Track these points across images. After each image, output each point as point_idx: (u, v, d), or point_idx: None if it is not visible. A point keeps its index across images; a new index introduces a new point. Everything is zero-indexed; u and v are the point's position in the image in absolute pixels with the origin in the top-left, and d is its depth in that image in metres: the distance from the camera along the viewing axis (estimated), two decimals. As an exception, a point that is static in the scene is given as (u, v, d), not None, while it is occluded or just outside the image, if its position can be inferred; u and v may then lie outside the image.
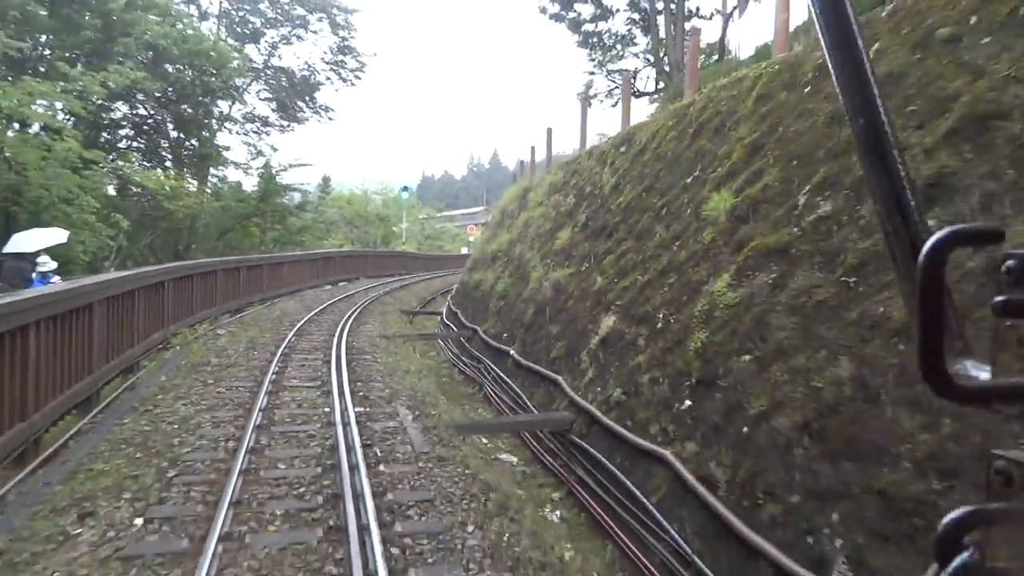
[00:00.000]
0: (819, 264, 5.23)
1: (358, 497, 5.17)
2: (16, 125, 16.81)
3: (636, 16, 26.79)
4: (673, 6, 24.74)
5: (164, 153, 29.84)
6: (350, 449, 6.28)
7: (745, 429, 5.06)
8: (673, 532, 5.20)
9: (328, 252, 30.59)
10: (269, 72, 37.58)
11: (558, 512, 6.67)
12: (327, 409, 7.94)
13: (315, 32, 37.16)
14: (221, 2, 35.92)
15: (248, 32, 37.05)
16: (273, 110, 38.51)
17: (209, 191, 26.20)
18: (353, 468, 5.77)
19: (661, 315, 7.07)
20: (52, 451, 6.55)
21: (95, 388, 8.23)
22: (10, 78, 16.49)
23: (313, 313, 16.64)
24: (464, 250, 56.72)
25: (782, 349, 5.14)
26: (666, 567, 5.12)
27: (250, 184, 32.10)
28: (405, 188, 59.99)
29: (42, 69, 18.75)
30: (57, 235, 11.07)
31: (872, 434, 4.03)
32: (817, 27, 0.76)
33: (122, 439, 6.56)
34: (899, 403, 3.95)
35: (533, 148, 22.28)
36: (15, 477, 5.75)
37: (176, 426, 7.03)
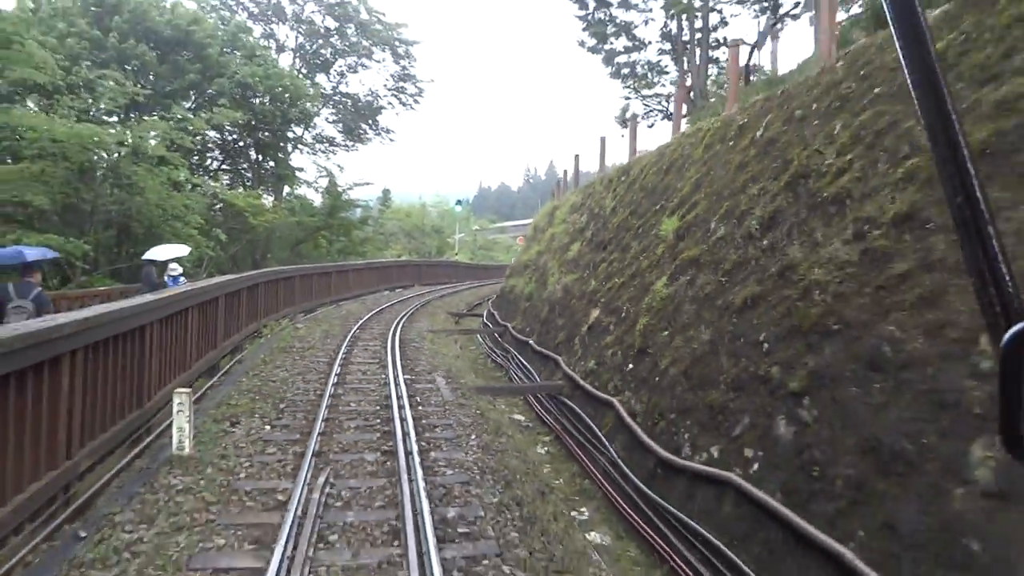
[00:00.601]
0: (712, 269, 7.70)
1: (403, 420, 7.87)
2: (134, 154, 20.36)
3: (667, 46, 29.12)
4: (699, 35, 26.98)
5: (244, 172, 33.70)
6: (399, 397, 9.02)
7: (656, 379, 7.56)
8: (611, 449, 7.71)
9: (387, 261, 33.83)
10: (337, 97, 41.38)
11: (545, 448, 9.22)
12: (383, 376, 10.73)
13: (379, 61, 40.89)
14: (297, 37, 39.97)
15: (319, 62, 40.94)
16: (339, 131, 42.35)
17: (285, 207, 29.67)
18: (401, 407, 8.50)
19: (625, 307, 9.59)
20: (202, 393, 9.47)
21: (217, 360, 11.22)
22: (132, 116, 20.07)
23: (373, 313, 19.61)
24: (514, 260, 59.46)
25: (684, 325, 7.62)
26: (605, 472, 7.63)
27: (317, 198, 35.80)
28: (459, 202, 63.24)
29: (156, 108, 22.37)
30: (181, 249, 14.28)
31: (711, 372, 6.51)
32: (917, 105, 0.80)
33: (244, 389, 9.46)
34: (726, 353, 6.42)
35: (565, 172, 24.90)
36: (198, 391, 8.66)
37: (278, 383, 9.91)
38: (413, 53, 40.62)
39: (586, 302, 11.56)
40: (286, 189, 34.08)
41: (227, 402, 8.68)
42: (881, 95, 6.12)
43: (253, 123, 26.95)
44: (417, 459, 6.47)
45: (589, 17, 28.69)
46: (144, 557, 4.49)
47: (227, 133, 28.62)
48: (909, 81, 0.79)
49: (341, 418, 8.13)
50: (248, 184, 31.40)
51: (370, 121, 42.06)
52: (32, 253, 8.63)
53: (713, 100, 21.48)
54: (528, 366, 12.89)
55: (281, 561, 4.38)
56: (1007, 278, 0.71)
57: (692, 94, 26.64)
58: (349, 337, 14.51)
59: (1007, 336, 0.67)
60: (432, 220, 62.39)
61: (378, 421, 8.07)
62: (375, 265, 30.43)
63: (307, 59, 40.71)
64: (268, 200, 31.58)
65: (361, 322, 17.18)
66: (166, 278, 13.28)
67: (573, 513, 6.76)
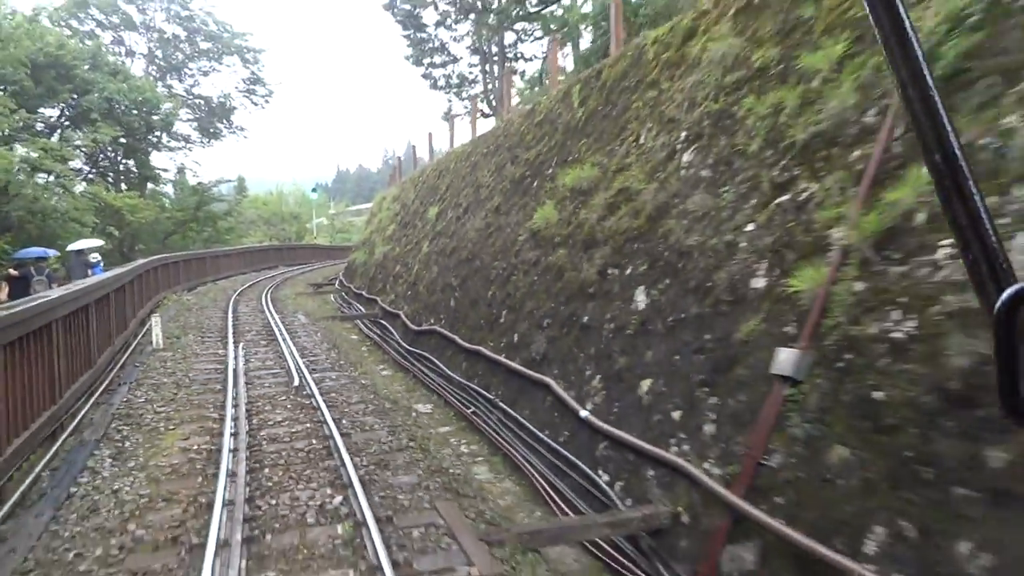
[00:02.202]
0: (448, 237, 14.31)
1: (278, 328, 13.96)
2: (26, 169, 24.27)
3: (476, 59, 35.67)
4: (496, 52, 33.76)
5: (108, 175, 36.89)
6: (275, 323, 15.05)
7: (417, 296, 14.13)
8: (395, 335, 14.17)
9: (252, 247, 38.51)
10: (191, 99, 44.71)
11: (365, 346, 15.55)
12: (263, 316, 16.65)
13: (229, 66, 44.68)
14: (147, 43, 42.90)
15: (170, 66, 44.06)
16: (195, 129, 45.71)
17: (156, 204, 33.65)
18: (276, 325, 14.56)
19: (409, 262, 16.11)
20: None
21: (146, 314, 16.56)
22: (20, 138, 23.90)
23: (247, 286, 25.00)
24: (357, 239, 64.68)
25: (430, 266, 14.22)
26: (395, 350, 14.07)
27: (171, 192, 39.61)
28: (315, 189, 67.35)
29: (37, 127, 26.01)
30: (97, 242, 19.13)
31: (436, 290, 13.13)
32: (887, 58, 0.76)
33: (175, 325, 15.06)
34: (442, 279, 13.07)
35: (399, 160, 31.05)
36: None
37: (195, 322, 15.57)
38: (261, 59, 44.80)
39: (393, 262, 17.96)
40: (149, 186, 37.65)
41: (168, 332, 14.33)
42: (556, 129, 12.91)
43: (120, 134, 30.74)
44: (289, 341, 12.66)
45: (411, 36, 34.73)
46: (171, 368, 10.44)
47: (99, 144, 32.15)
48: (877, 31, 0.74)
49: (242, 330, 14.10)
50: (113, 185, 34.88)
51: (224, 120, 45.75)
52: (40, 251, 13.87)
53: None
54: (360, 307, 19.12)
55: (231, 371, 10.47)
56: (992, 238, 0.69)
57: (493, 99, 33.47)
58: (232, 299, 20.08)
59: (1001, 299, 0.66)
60: (289, 207, 66.12)
61: (264, 330, 14.13)
62: (241, 250, 35.21)
63: (158, 64, 43.73)
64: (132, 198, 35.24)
65: (239, 291, 22.64)
66: (89, 269, 18.27)
67: (372, 363, 13.20)
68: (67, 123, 28.63)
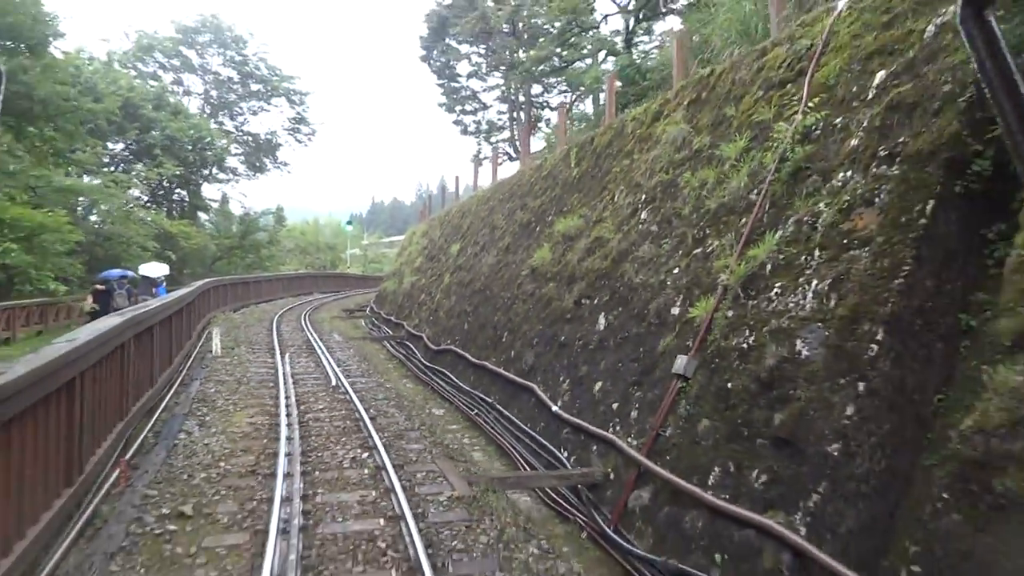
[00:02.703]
0: (467, 271, 16.42)
1: (318, 344, 16.10)
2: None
3: (505, 107, 38.29)
4: (523, 102, 36.28)
5: (163, 203, 40.02)
6: (314, 339, 17.20)
7: (438, 321, 16.21)
8: (418, 354, 16.22)
9: (290, 274, 41.15)
10: (240, 136, 48.09)
11: (392, 363, 17.61)
12: (303, 333, 18.83)
13: (276, 106, 48.06)
14: (203, 84, 46.50)
15: (223, 105, 47.56)
16: (241, 162, 49.02)
17: (207, 232, 36.57)
18: (315, 341, 16.71)
19: (432, 291, 18.21)
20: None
21: (206, 325, 18.85)
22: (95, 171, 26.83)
23: (286, 309, 27.35)
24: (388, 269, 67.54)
25: (449, 295, 16.31)
26: (417, 367, 16.12)
27: (224, 222, 42.63)
28: (350, 222, 70.30)
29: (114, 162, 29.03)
30: (164, 268, 21.64)
31: (454, 315, 15.20)
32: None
33: (229, 339, 17.30)
34: (459, 307, 15.14)
35: (429, 198, 33.46)
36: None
37: (244, 336, 17.79)
38: (306, 101, 48.13)
39: (419, 291, 20.11)
40: (200, 215, 40.71)
41: (222, 344, 16.57)
42: (556, 183, 15.04)
43: (179, 168, 33.78)
44: (327, 354, 14.78)
45: (445, 85, 37.51)
46: (230, 370, 12.60)
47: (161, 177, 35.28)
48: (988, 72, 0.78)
49: (286, 344, 16.27)
50: (167, 214, 37.93)
51: (270, 156, 49.01)
52: (121, 272, 16.31)
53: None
54: (388, 330, 21.25)
55: (280, 373, 12.58)
56: None
57: (519, 144, 35.89)
58: (274, 320, 22.37)
59: None
60: (325, 237, 69.31)
61: (304, 345, 16.30)
62: (281, 277, 37.82)
63: (212, 103, 47.26)
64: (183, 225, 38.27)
65: (279, 314, 24.96)
66: (155, 290, 20.75)
67: (396, 375, 15.22)
68: (131, 156, 31.67)
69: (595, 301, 9.04)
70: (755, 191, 6.88)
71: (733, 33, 10.35)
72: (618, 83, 14.81)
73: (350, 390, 10.81)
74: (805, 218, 5.98)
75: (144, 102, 32.14)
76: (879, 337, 4.65)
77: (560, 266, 10.68)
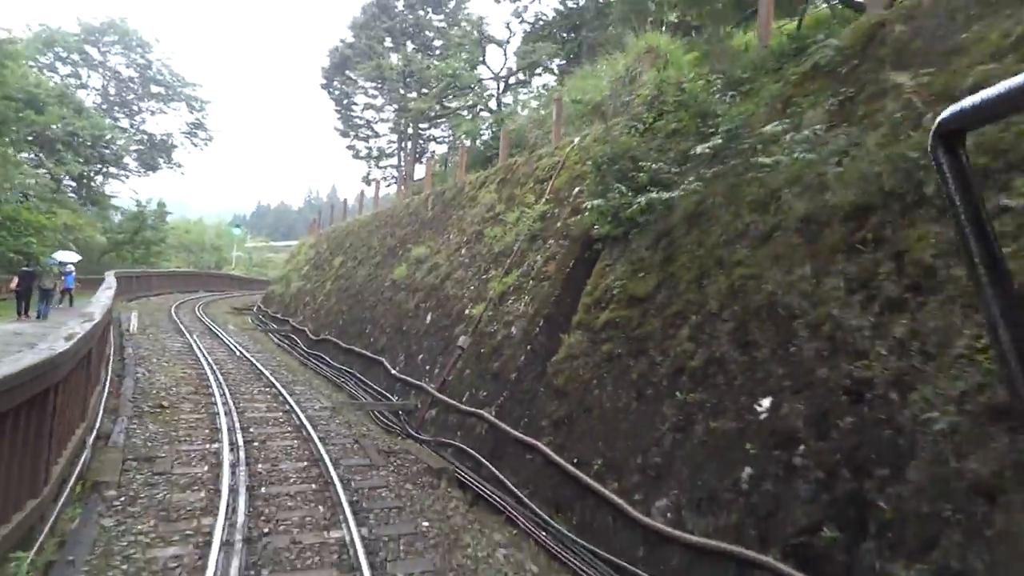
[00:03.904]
0: (344, 279, 20.68)
1: (217, 331, 19.76)
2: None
3: (395, 137, 42.61)
4: (411, 134, 40.81)
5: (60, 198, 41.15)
6: (215, 328, 20.78)
7: (319, 316, 20.34)
8: (300, 344, 20.24)
9: (180, 271, 43.17)
10: (136, 134, 49.40)
11: (277, 347, 21.45)
12: (202, 322, 22.27)
13: (175, 110, 49.86)
14: (103, 81, 47.64)
15: (121, 101, 48.82)
16: (134, 160, 50.19)
17: (102, 225, 38.26)
18: (216, 332, 20.33)
19: (316, 293, 22.27)
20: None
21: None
22: None
23: (180, 302, 30.16)
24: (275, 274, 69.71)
25: (328, 296, 20.51)
26: (301, 353, 20.11)
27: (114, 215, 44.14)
28: (238, 225, 71.66)
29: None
30: (75, 256, 24.25)
31: (332, 312, 19.43)
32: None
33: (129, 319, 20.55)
34: (337, 306, 19.39)
35: (319, 214, 37.11)
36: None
37: (150, 318, 21.06)
38: (206, 107, 50.26)
39: (304, 294, 24.01)
40: (92, 209, 42.02)
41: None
42: (417, 219, 19.54)
43: (80, 164, 35.61)
44: (227, 338, 18.53)
45: (342, 113, 41.40)
46: (151, 344, 16.22)
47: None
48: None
49: (191, 329, 19.79)
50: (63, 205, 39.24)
51: (164, 155, 50.55)
52: (67, 257, 19.35)
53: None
54: (275, 325, 24.94)
55: (194, 346, 16.33)
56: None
57: (404, 174, 40.34)
58: (172, 310, 25.43)
59: None
60: (210, 237, 70.23)
61: (207, 331, 19.89)
62: (169, 273, 39.95)
63: (109, 100, 48.41)
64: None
65: (174, 306, 27.87)
66: (63, 275, 23.46)
67: (284, 356, 19.13)
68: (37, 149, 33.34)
69: (426, 304, 13.71)
70: (516, 244, 11.82)
71: (534, 136, 15.49)
72: (468, 143, 19.71)
73: (251, 359, 14.85)
74: (529, 262, 10.95)
75: (49, 98, 33.88)
76: (540, 324, 9.58)
77: (410, 280, 15.29)
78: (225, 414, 9.34)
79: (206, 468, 7.15)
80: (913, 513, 4.21)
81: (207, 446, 7.99)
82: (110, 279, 17.65)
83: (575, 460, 7.25)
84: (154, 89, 48.23)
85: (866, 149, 6.14)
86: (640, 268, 8.22)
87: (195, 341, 16.87)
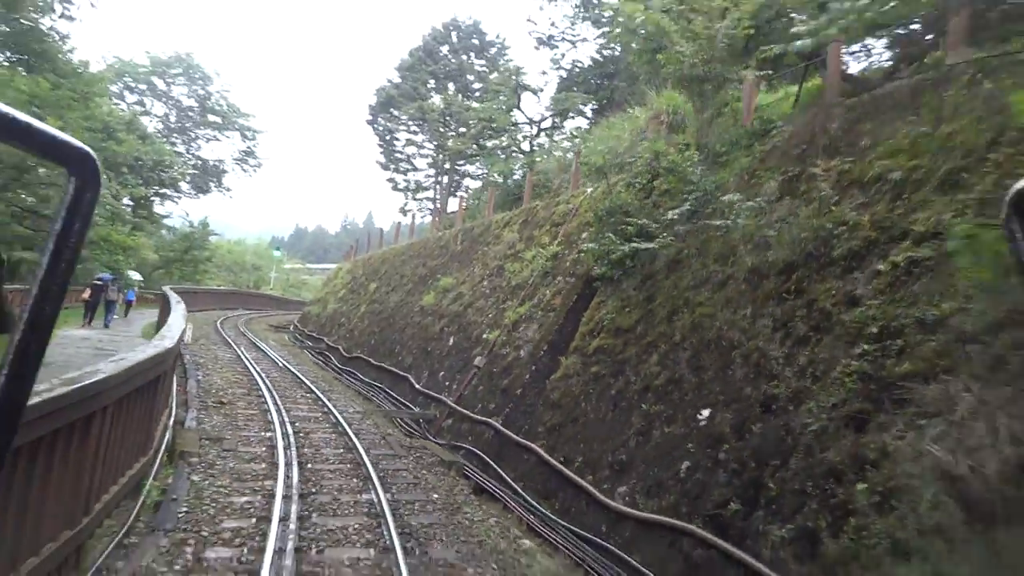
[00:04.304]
0: (379, 303, 22.57)
1: (260, 345, 21.72)
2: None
3: (432, 171, 44.97)
4: (448, 168, 43.10)
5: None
6: (258, 343, 22.77)
7: (353, 336, 22.20)
8: (334, 360, 22.08)
9: (223, 289, 45.75)
10: (191, 159, 52.73)
11: (315, 363, 23.32)
12: (245, 336, 24.30)
13: (228, 138, 53.16)
14: (165, 109, 51.15)
15: (181, 129, 52.27)
16: (187, 183, 53.41)
17: (152, 245, 41.09)
18: (258, 345, 22.30)
19: (352, 316, 24.17)
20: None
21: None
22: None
23: (222, 318, 32.40)
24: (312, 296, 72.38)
25: (364, 318, 22.38)
26: (335, 369, 21.94)
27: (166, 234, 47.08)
28: (278, 248, 74.62)
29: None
30: (138, 276, 26.63)
31: (369, 333, 21.28)
32: None
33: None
34: (377, 329, 21.25)
35: (356, 243, 39.35)
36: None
37: (198, 333, 23.14)
38: (258, 137, 53.47)
39: (340, 315, 25.95)
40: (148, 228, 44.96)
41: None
42: (447, 252, 21.44)
43: (141, 186, 38.51)
44: (270, 352, 20.44)
45: (384, 147, 43.95)
46: (205, 352, 18.19)
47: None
48: None
49: (236, 342, 21.78)
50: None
51: (215, 180, 53.74)
52: (110, 276, 21.62)
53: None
54: (310, 343, 26.88)
55: (241, 356, 18.25)
56: None
57: (439, 206, 42.55)
58: (218, 323, 27.59)
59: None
60: (251, 258, 73.39)
61: (251, 344, 21.86)
62: (212, 291, 42.48)
63: (169, 126, 51.89)
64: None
65: (220, 320, 30.11)
66: (127, 291, 25.79)
67: (320, 371, 20.97)
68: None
69: (450, 329, 15.44)
70: (531, 279, 13.52)
71: (555, 183, 17.30)
72: (498, 190, 21.61)
73: (292, 370, 16.70)
74: (540, 295, 12.64)
75: (119, 125, 36.93)
76: (544, 348, 11.22)
77: (437, 307, 17.06)
78: (275, 411, 11.09)
79: (264, 448, 8.87)
80: (789, 491, 5.74)
81: (263, 433, 9.74)
82: (174, 295, 19.77)
83: (561, 459, 8.82)
84: (211, 118, 51.61)
85: (799, 218, 7.76)
86: (627, 304, 9.85)
87: (242, 352, 18.79)
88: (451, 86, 43.78)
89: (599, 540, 7.27)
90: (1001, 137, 6.07)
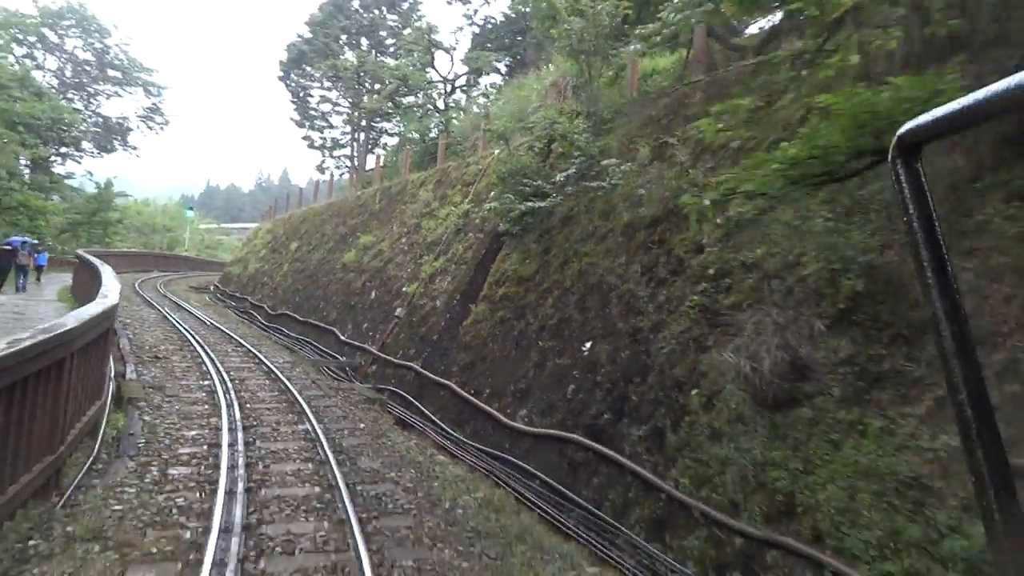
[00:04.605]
0: (300, 261, 23.17)
1: (184, 305, 22.02)
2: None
3: (348, 129, 44.69)
4: (364, 125, 42.97)
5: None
6: (180, 303, 22.99)
7: (271, 291, 22.79)
8: (257, 315, 22.65)
9: (131, 251, 44.49)
10: (92, 116, 50.19)
11: (238, 319, 23.78)
12: (167, 298, 24.42)
13: (131, 94, 50.79)
14: (59, 63, 48.27)
15: (78, 85, 49.54)
16: (89, 142, 50.97)
17: (63, 207, 39.50)
18: (181, 305, 22.56)
19: (273, 273, 24.67)
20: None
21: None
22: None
23: (139, 281, 31.97)
24: (232, 257, 70.87)
25: (278, 274, 22.98)
26: (251, 319, 22.53)
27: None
28: (191, 208, 72.23)
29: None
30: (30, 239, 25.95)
31: (278, 286, 21.94)
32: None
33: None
34: (280, 282, 21.92)
35: (275, 201, 39.10)
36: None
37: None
38: (163, 93, 51.30)
39: (262, 274, 26.31)
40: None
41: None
42: (366, 211, 22.11)
43: (40, 146, 36.79)
44: (194, 311, 20.83)
45: (298, 104, 43.29)
46: (131, 312, 18.50)
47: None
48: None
49: (158, 303, 21.97)
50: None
51: (120, 138, 51.45)
52: (20, 239, 21.24)
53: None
54: (235, 304, 27.16)
55: (166, 315, 18.66)
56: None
57: (357, 164, 42.58)
58: (136, 285, 27.38)
59: None
60: (162, 219, 70.83)
61: (174, 305, 22.11)
62: (126, 252, 41.36)
63: (65, 81, 49.09)
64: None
65: (137, 282, 29.76)
66: (35, 254, 25.23)
67: (246, 327, 21.52)
68: (-4, 131, 34.47)
69: (371, 284, 16.43)
70: (444, 235, 14.63)
71: (469, 141, 18.30)
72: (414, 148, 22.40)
73: (220, 327, 17.33)
74: (453, 250, 13.80)
75: (12, 82, 35.02)
76: (457, 298, 12.44)
77: (358, 264, 17.95)
78: (210, 363, 11.92)
79: (204, 394, 9.77)
80: (646, 401, 7.25)
81: (201, 381, 10.60)
82: (95, 259, 19.77)
83: (473, 392, 10.15)
84: (111, 73, 49.12)
85: (664, 180, 9.18)
86: (528, 256, 11.15)
87: (167, 313, 19.16)
88: (364, 41, 43.33)
89: (503, 454, 8.67)
90: (808, 114, 7.59)
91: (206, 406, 9.00)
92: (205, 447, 7.11)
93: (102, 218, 41.34)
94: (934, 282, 0.76)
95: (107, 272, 12.60)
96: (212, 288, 33.98)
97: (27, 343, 4.93)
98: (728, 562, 5.37)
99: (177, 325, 16.54)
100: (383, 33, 41.56)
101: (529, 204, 10.37)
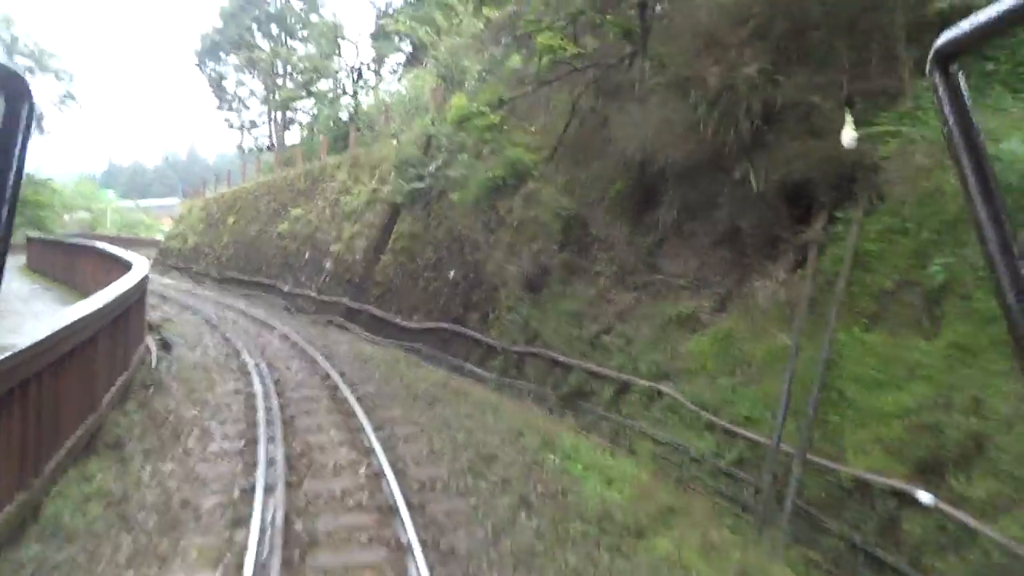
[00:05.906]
0: (239, 234, 27.23)
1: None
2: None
3: (265, 109, 47.61)
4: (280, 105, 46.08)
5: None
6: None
7: (217, 258, 26.86)
8: (208, 278, 26.67)
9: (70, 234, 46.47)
10: None
11: (188, 284, 27.68)
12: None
13: (44, 79, 51.45)
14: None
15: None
16: None
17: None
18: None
19: (212, 245, 28.58)
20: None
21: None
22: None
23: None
24: (158, 236, 72.13)
25: (219, 243, 27.04)
26: (213, 281, 26.55)
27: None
28: (110, 187, 72.55)
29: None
30: None
31: (234, 252, 26.08)
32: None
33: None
34: (232, 249, 26.07)
35: (205, 183, 42.09)
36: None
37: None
38: (73, 76, 52.15)
39: (203, 247, 30.06)
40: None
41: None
42: (294, 189, 26.31)
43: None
44: (157, 280, 24.77)
45: (214, 89, 45.84)
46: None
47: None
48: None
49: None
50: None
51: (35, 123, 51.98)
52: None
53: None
54: (179, 272, 30.80)
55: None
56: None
57: (275, 144, 45.78)
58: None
59: None
60: (80, 200, 70.95)
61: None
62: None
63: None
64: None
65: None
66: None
67: (202, 287, 25.54)
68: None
69: (304, 247, 21.00)
70: (358, 207, 19.33)
71: (377, 125, 22.92)
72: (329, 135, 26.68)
73: (183, 287, 21.52)
74: (366, 218, 18.59)
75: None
76: (371, 253, 17.30)
77: (292, 232, 22.37)
78: (188, 308, 16.42)
79: (205, 325, 14.39)
80: (479, 300, 12.48)
81: (194, 318, 15.18)
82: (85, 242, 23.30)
83: (383, 311, 15.18)
84: (21, 61, 49.74)
85: (482, 171, 14.31)
86: (417, 220, 16.09)
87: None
88: (274, 27, 46.10)
89: (403, 342, 13.79)
90: (572, 119, 12.78)
91: (204, 327, 13.68)
92: (221, 340, 11.90)
93: (38, 200, 43.10)
94: (977, 192, 0.71)
95: (140, 259, 16.70)
96: (153, 261, 37.13)
97: (112, 297, 9.57)
98: (505, 368, 10.72)
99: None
100: (292, 20, 44.52)
101: (415, 185, 15.28)
